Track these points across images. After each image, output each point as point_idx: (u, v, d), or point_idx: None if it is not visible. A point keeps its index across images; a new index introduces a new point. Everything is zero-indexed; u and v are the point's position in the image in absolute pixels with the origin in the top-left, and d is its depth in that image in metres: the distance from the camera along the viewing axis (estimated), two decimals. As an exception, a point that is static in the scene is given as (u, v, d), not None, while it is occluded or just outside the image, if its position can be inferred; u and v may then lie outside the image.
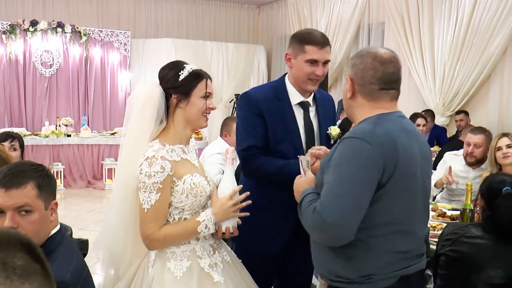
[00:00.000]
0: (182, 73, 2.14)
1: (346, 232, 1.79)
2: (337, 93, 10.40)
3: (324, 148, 2.40)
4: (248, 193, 2.19)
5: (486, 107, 7.80)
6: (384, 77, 1.92)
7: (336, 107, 3.27)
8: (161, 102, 2.15)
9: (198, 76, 2.16)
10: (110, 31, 10.30)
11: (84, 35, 9.92)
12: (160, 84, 2.18)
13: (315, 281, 3.20)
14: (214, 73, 10.78)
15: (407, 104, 8.63)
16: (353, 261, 1.88)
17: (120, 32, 10.40)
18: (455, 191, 4.20)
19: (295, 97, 2.65)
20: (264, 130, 2.57)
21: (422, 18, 8.30)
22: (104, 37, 10.21)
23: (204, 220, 2.07)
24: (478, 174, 4.12)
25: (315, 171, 2.13)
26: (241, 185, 2.23)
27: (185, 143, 2.21)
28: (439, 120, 8.16)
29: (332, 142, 2.69)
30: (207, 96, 2.16)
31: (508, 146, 3.80)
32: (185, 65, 2.18)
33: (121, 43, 10.39)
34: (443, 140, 7.45)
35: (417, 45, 8.42)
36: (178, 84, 2.13)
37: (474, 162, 4.21)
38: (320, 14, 10.28)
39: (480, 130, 4.30)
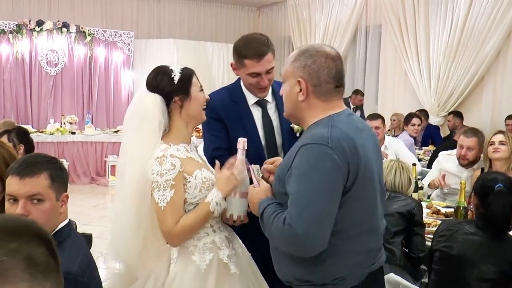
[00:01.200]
0: (175, 75, 2.15)
1: (321, 241, 1.75)
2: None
3: (277, 160, 2.24)
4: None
5: (480, 108, 7.96)
6: (337, 74, 1.88)
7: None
8: (164, 110, 2.15)
9: (188, 73, 2.19)
10: (114, 32, 10.48)
11: (89, 35, 10.10)
12: (157, 92, 2.15)
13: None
14: (215, 73, 10.98)
15: (403, 104, 8.82)
16: (324, 266, 1.82)
17: (123, 33, 10.58)
18: (449, 190, 4.30)
19: (251, 97, 2.61)
20: (225, 133, 2.55)
21: (418, 21, 8.45)
22: (108, 37, 10.40)
23: (212, 199, 2.06)
24: (471, 174, 4.17)
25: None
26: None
27: (187, 142, 2.22)
28: (434, 120, 8.32)
29: (298, 135, 2.58)
30: (202, 89, 2.21)
31: (501, 143, 3.86)
32: (171, 67, 2.19)
33: (124, 43, 10.57)
34: (437, 139, 7.62)
35: (413, 47, 8.57)
36: (176, 86, 2.14)
37: (467, 164, 4.22)
38: (319, 17, 10.45)
39: (473, 132, 4.25)
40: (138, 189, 2.11)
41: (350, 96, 9.37)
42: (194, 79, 2.19)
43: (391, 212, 3.03)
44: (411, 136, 6.74)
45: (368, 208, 1.87)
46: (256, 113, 2.63)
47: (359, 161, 1.78)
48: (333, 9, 10.14)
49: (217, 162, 2.19)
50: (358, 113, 8.97)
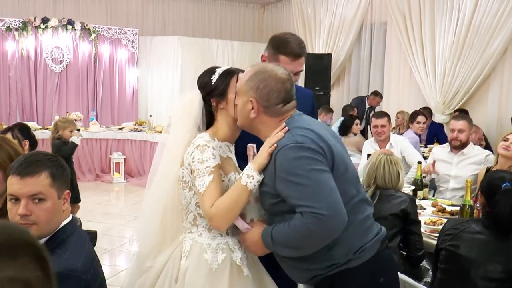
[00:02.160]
0: (214, 77, 2.18)
1: (343, 216, 1.86)
2: (340, 91, 10.56)
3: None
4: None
5: (486, 106, 7.93)
6: (286, 95, 2.01)
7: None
8: (198, 111, 2.20)
9: (228, 74, 2.18)
10: (119, 29, 10.50)
11: (93, 32, 10.13)
12: (200, 92, 2.23)
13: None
14: (220, 70, 10.97)
15: (408, 102, 8.79)
16: (343, 242, 1.93)
17: (128, 30, 10.60)
18: (441, 178, 4.46)
19: None
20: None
21: (424, 18, 8.42)
22: (112, 34, 10.41)
23: (243, 173, 2.03)
24: (461, 159, 4.38)
25: None
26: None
27: (232, 142, 2.24)
28: (439, 118, 8.29)
29: None
30: None
31: None
32: (217, 69, 2.21)
33: (129, 40, 10.59)
34: (442, 137, 7.57)
35: (418, 44, 8.54)
36: (212, 87, 2.17)
37: (459, 146, 4.44)
38: (324, 14, 10.42)
39: (462, 116, 4.70)
40: (170, 170, 2.18)
41: (367, 96, 9.33)
42: (233, 81, 2.17)
43: (384, 215, 2.95)
44: (416, 134, 6.72)
45: (352, 182, 2.03)
46: None
47: (328, 144, 1.95)
48: (338, 7, 10.11)
49: (249, 145, 2.25)
50: (371, 113, 8.92)
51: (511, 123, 7.09)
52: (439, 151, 4.66)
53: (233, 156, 2.24)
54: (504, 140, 3.92)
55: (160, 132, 8.38)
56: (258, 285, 2.18)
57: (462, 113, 7.68)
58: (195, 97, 2.23)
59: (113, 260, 5.22)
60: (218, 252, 2.10)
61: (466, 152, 4.39)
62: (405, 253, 3.09)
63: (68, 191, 1.86)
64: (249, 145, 2.22)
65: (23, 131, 3.98)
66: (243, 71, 2.19)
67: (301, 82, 10.77)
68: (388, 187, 3.15)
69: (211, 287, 2.04)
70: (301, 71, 2.59)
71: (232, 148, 2.26)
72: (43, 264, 0.93)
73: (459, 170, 4.35)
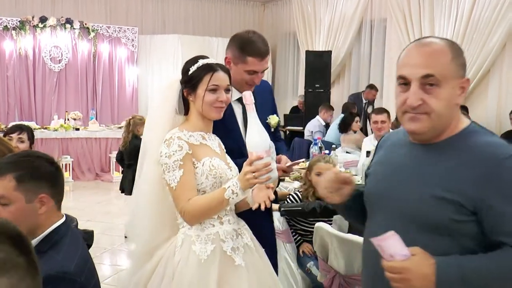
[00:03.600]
0: (193, 68, 2.16)
1: None
2: (340, 89, 10.53)
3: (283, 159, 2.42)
4: (267, 161, 2.00)
5: (485, 102, 7.92)
6: None
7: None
8: (175, 96, 2.21)
9: (205, 69, 2.15)
10: (118, 27, 10.48)
11: (92, 31, 10.11)
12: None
13: (315, 271, 3.32)
14: (220, 68, 10.95)
15: (409, 99, 8.75)
16: None
17: (127, 28, 10.58)
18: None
19: (233, 94, 2.55)
20: None
21: (423, 14, 8.41)
22: (112, 33, 10.40)
23: (229, 186, 2.00)
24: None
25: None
26: (267, 145, 2.05)
27: (206, 131, 2.22)
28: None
29: (272, 130, 2.67)
30: (213, 89, 2.13)
31: None
32: (200, 59, 2.18)
33: (128, 39, 10.57)
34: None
35: (418, 41, 8.52)
36: (187, 78, 2.17)
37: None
38: (324, 11, 10.40)
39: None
40: (156, 173, 2.17)
41: (363, 91, 9.32)
42: (206, 77, 2.13)
43: None
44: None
45: None
46: (237, 109, 2.63)
47: None
48: (337, 4, 10.09)
49: (250, 153, 2.04)
50: (370, 108, 8.91)
51: (509, 118, 7.08)
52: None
53: (211, 143, 2.20)
54: None
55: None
56: (254, 274, 2.15)
57: (462, 109, 7.69)
58: (173, 82, 2.24)
59: (113, 259, 5.20)
60: (207, 243, 2.08)
61: None
62: None
63: (44, 195, 1.75)
64: (245, 92, 2.11)
65: (32, 138, 3.92)
66: (226, 70, 2.19)
67: (301, 79, 10.80)
68: None
69: (200, 278, 2.03)
70: (267, 68, 2.61)
71: (210, 136, 2.23)
72: (15, 242, 0.95)
73: None
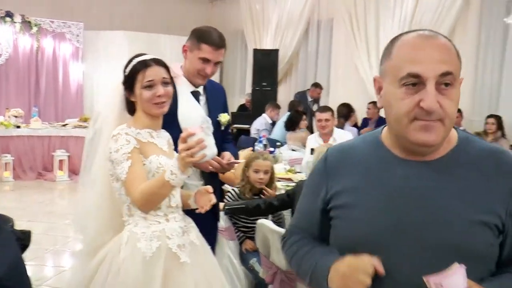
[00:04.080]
0: (128, 68, 2.16)
1: None
2: (287, 87, 10.64)
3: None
4: (200, 137, 1.95)
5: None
6: None
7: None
8: (120, 100, 2.22)
9: (137, 67, 2.14)
10: (62, 22, 10.20)
11: (35, 25, 9.80)
12: None
13: (258, 267, 3.34)
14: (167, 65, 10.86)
15: (353, 97, 8.98)
16: None
17: (72, 24, 10.31)
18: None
19: (186, 86, 2.71)
20: None
21: (369, 15, 8.63)
22: (55, 28, 10.11)
23: (169, 167, 1.99)
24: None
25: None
26: (199, 120, 2.02)
27: (153, 128, 2.22)
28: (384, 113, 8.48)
29: (222, 128, 2.79)
30: (148, 85, 2.13)
31: None
32: (134, 58, 2.18)
33: (73, 34, 10.32)
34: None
35: (363, 41, 8.73)
36: (124, 80, 2.18)
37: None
38: (272, 10, 10.50)
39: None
40: (105, 171, 2.18)
41: (308, 89, 9.45)
42: (139, 76, 2.12)
43: None
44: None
45: None
46: None
47: None
48: (285, 3, 10.20)
49: (184, 128, 2.01)
50: (315, 106, 9.04)
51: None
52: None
53: (159, 141, 2.21)
54: None
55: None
56: (200, 271, 2.16)
57: None
58: (118, 86, 2.22)
59: (56, 260, 5.07)
60: (153, 240, 2.08)
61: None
62: None
63: None
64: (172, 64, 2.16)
65: None
66: (161, 63, 2.16)
67: (248, 77, 10.85)
68: None
69: (146, 275, 2.02)
70: (220, 62, 2.72)
71: (158, 133, 2.23)
72: None
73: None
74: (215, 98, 2.85)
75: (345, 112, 7.65)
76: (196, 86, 2.76)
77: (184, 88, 2.09)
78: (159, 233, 2.10)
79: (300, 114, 7.23)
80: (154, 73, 2.13)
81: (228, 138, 3.00)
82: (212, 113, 2.74)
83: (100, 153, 2.21)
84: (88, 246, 2.24)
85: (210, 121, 2.05)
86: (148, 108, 2.14)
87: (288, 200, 3.32)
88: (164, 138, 2.27)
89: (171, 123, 2.41)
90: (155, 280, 2.01)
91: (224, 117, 2.81)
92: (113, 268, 2.06)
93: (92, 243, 2.22)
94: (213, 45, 2.61)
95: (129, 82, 2.15)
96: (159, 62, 2.17)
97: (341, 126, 7.34)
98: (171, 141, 2.32)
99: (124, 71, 2.18)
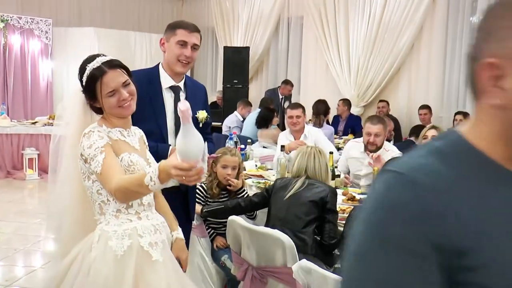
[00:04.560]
0: (84, 79, 2.11)
1: None
2: (258, 84, 10.68)
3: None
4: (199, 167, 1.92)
5: (396, 99, 8.35)
6: None
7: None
8: (81, 106, 2.19)
9: (93, 79, 2.09)
10: (30, 18, 10.04)
11: (2, 21, 9.62)
12: None
13: (230, 264, 3.37)
14: (138, 63, 10.77)
15: (325, 94, 9.05)
16: None
17: (40, 20, 10.16)
18: (354, 177, 4.54)
19: (166, 81, 2.86)
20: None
21: (339, 14, 8.72)
22: (23, 24, 9.95)
23: (149, 173, 1.94)
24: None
25: None
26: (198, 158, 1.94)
27: (124, 127, 2.20)
28: (355, 110, 8.60)
29: (200, 126, 2.84)
30: (110, 95, 2.09)
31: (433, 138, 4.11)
32: (88, 65, 2.11)
33: (42, 31, 10.17)
34: (358, 129, 7.87)
35: (333, 39, 8.82)
36: (84, 90, 2.14)
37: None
38: (242, 7, 10.53)
39: (378, 119, 4.46)
40: (75, 170, 2.16)
41: (279, 86, 9.49)
42: (97, 86, 2.08)
43: (304, 201, 3.10)
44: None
45: None
46: (168, 97, 2.86)
47: None
48: (255, 1, 10.24)
49: (182, 159, 1.88)
50: (286, 103, 9.09)
51: (418, 114, 7.49)
52: (353, 148, 4.62)
53: (131, 139, 2.20)
54: (425, 138, 4.09)
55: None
56: (172, 270, 2.17)
57: (385, 102, 8.08)
58: (77, 93, 2.19)
59: (27, 260, 5.02)
60: (124, 238, 2.06)
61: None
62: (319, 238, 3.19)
63: None
64: (181, 102, 1.95)
65: None
66: (116, 65, 2.10)
67: (219, 75, 10.85)
68: (317, 178, 3.26)
69: (117, 274, 2.01)
70: (198, 46, 2.84)
71: (129, 132, 2.22)
72: None
73: (369, 170, 4.37)
74: (195, 96, 2.94)
75: (324, 108, 7.66)
76: (178, 81, 2.87)
77: (185, 120, 1.91)
78: (131, 231, 2.09)
79: (272, 111, 7.25)
80: (111, 79, 2.08)
81: (207, 137, 2.99)
82: (191, 109, 2.75)
83: (68, 155, 2.19)
84: (62, 246, 2.23)
85: (207, 147, 2.07)
86: (116, 112, 2.13)
87: (267, 196, 3.34)
88: (135, 135, 2.26)
89: (143, 118, 2.45)
90: (126, 279, 2.00)
91: (202, 114, 2.89)
92: (84, 267, 2.05)
93: (66, 243, 2.20)
94: (187, 28, 2.77)
95: (89, 92, 2.12)
96: (113, 65, 2.11)
97: (320, 123, 7.34)
98: (144, 138, 2.34)
99: (81, 80, 2.13)
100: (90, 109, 2.19)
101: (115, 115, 2.15)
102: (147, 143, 2.37)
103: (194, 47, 2.81)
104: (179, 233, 2.39)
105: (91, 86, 2.09)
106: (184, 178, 1.85)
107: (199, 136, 1.87)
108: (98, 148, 2.03)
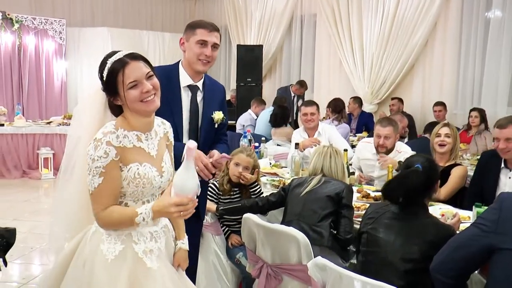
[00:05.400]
0: (104, 73, 1.99)
1: None
2: (271, 82, 10.67)
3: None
4: (195, 200, 1.97)
5: (410, 96, 8.28)
6: None
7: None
8: (102, 106, 2.08)
9: (115, 71, 1.97)
10: (44, 19, 10.12)
11: (16, 22, 9.70)
12: None
13: (245, 261, 3.36)
14: (151, 62, 10.80)
15: (338, 92, 9.03)
16: None
17: (54, 20, 10.24)
18: (366, 177, 4.49)
19: (185, 80, 2.85)
20: None
21: (352, 11, 8.67)
22: (37, 25, 10.03)
23: (141, 213, 1.94)
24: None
25: None
26: (194, 194, 1.97)
27: (143, 130, 2.07)
28: (368, 108, 8.55)
29: (215, 126, 2.91)
30: (132, 86, 1.98)
31: (447, 136, 3.99)
32: (109, 59, 2.00)
33: (56, 31, 10.24)
34: (371, 126, 7.82)
35: (347, 36, 8.77)
36: (105, 86, 2.01)
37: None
38: (255, 6, 10.51)
39: (388, 121, 4.39)
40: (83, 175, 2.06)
41: (291, 84, 9.46)
42: (119, 77, 1.96)
43: (320, 197, 3.12)
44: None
45: None
46: (185, 96, 2.85)
47: None
48: (268, -1, 10.21)
49: (178, 194, 1.94)
50: (300, 101, 9.06)
51: (432, 111, 7.42)
52: (364, 148, 4.58)
53: (146, 145, 2.07)
54: (437, 136, 4.02)
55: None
56: (170, 279, 2.08)
57: (396, 99, 8.02)
58: (97, 92, 2.07)
59: (43, 258, 5.05)
60: (117, 243, 2.01)
61: (391, 156, 4.29)
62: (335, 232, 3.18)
63: None
64: (189, 143, 1.93)
65: None
66: (138, 57, 2.04)
67: (233, 73, 10.85)
68: (333, 177, 3.28)
69: (108, 278, 1.96)
70: (218, 45, 2.84)
71: (148, 135, 2.10)
72: None
73: (382, 172, 4.34)
74: (212, 96, 2.96)
75: (342, 106, 7.64)
76: (196, 80, 2.87)
77: (190, 157, 1.91)
78: (125, 236, 2.03)
79: (287, 109, 7.21)
80: (134, 70, 1.98)
81: (222, 138, 3.03)
82: (207, 109, 2.89)
83: (81, 157, 2.08)
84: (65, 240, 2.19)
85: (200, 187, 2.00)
86: (138, 107, 2.00)
87: (284, 194, 3.35)
88: (155, 138, 2.14)
89: (172, 115, 2.46)
90: (119, 283, 1.95)
91: (218, 115, 2.90)
92: (79, 261, 2.03)
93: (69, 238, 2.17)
94: (206, 28, 2.78)
95: (110, 86, 1.99)
96: (135, 57, 2.02)
97: (343, 118, 7.44)
98: (169, 133, 2.25)
99: (101, 76, 2.01)
100: (110, 110, 2.09)
101: (138, 112, 2.02)
102: (172, 139, 2.28)
103: (214, 46, 2.82)
104: (184, 242, 2.31)
105: (112, 80, 1.97)
106: (181, 213, 1.90)
107: (196, 174, 1.94)
108: (99, 168, 1.94)
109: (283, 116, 6.75)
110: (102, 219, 1.98)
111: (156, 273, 2.02)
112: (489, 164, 3.65)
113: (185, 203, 1.89)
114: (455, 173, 3.84)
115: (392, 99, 8.18)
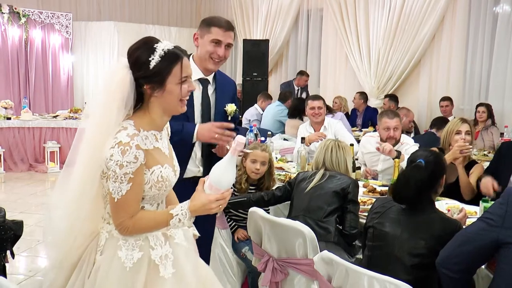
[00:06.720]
0: (153, 58, 1.85)
1: None
2: (277, 77, 10.64)
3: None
4: (230, 191, 1.96)
5: (417, 90, 8.24)
6: None
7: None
8: (130, 93, 1.89)
9: (171, 60, 1.87)
10: (51, 13, 10.15)
11: (23, 16, 9.73)
12: (131, 69, 1.88)
13: (251, 256, 3.36)
14: (158, 56, 10.83)
15: (344, 87, 9.01)
16: None
17: (61, 14, 10.26)
18: (372, 171, 4.48)
19: (195, 73, 2.79)
20: None
21: (358, 5, 8.62)
22: (44, 19, 10.05)
23: (177, 215, 1.87)
24: (388, 156, 4.19)
25: None
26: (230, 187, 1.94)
27: (160, 129, 1.99)
28: (374, 103, 8.52)
29: (229, 119, 2.95)
30: (183, 81, 1.91)
31: (467, 133, 3.74)
32: (156, 45, 1.88)
33: (62, 25, 10.26)
34: (376, 121, 7.76)
35: (353, 31, 8.73)
36: (149, 72, 1.85)
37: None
38: (261, 1, 10.47)
39: (393, 113, 4.40)
40: (87, 172, 1.91)
41: (294, 78, 9.44)
42: (175, 69, 1.87)
43: (326, 192, 3.12)
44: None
45: None
46: (196, 89, 2.83)
47: None
48: (274, -7, 10.17)
49: (217, 189, 1.90)
50: (304, 94, 9.04)
51: (439, 106, 7.39)
52: (368, 142, 4.55)
53: (161, 144, 1.98)
54: (458, 133, 3.75)
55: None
56: (184, 284, 1.98)
57: (391, 98, 7.95)
58: (124, 76, 1.88)
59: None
60: (135, 250, 1.91)
61: (396, 147, 4.22)
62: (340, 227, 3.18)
63: None
64: (238, 137, 1.89)
65: None
66: (187, 54, 2.02)
67: (239, 68, 10.82)
68: (335, 171, 3.27)
69: (126, 286, 1.87)
70: (232, 45, 2.86)
71: (161, 134, 2.01)
72: None
73: (385, 165, 4.34)
74: (223, 89, 2.99)
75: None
76: (207, 74, 2.89)
77: (235, 152, 1.88)
78: (143, 242, 1.94)
79: (304, 102, 7.13)
80: (188, 66, 1.93)
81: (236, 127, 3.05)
82: (219, 102, 2.95)
83: (87, 146, 1.92)
84: (61, 241, 2.03)
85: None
86: (174, 105, 1.93)
87: (290, 189, 3.35)
88: (165, 137, 2.08)
89: (184, 115, 2.35)
90: None
91: (231, 107, 2.95)
92: (87, 271, 1.92)
93: (69, 248, 2.01)
94: (222, 27, 2.78)
95: (161, 76, 1.86)
96: (185, 52, 1.94)
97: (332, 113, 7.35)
98: (168, 129, 2.17)
99: (146, 61, 1.86)
100: (129, 106, 1.92)
101: (167, 111, 1.96)
102: (169, 130, 2.19)
103: (228, 45, 2.83)
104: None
105: (168, 69, 1.86)
106: (220, 206, 1.91)
107: (235, 168, 1.93)
108: (128, 174, 1.81)
109: (300, 108, 6.63)
110: (130, 228, 1.88)
111: (167, 282, 1.93)
112: (509, 155, 3.53)
113: (225, 197, 1.88)
114: (477, 171, 3.68)
115: (385, 96, 8.09)
